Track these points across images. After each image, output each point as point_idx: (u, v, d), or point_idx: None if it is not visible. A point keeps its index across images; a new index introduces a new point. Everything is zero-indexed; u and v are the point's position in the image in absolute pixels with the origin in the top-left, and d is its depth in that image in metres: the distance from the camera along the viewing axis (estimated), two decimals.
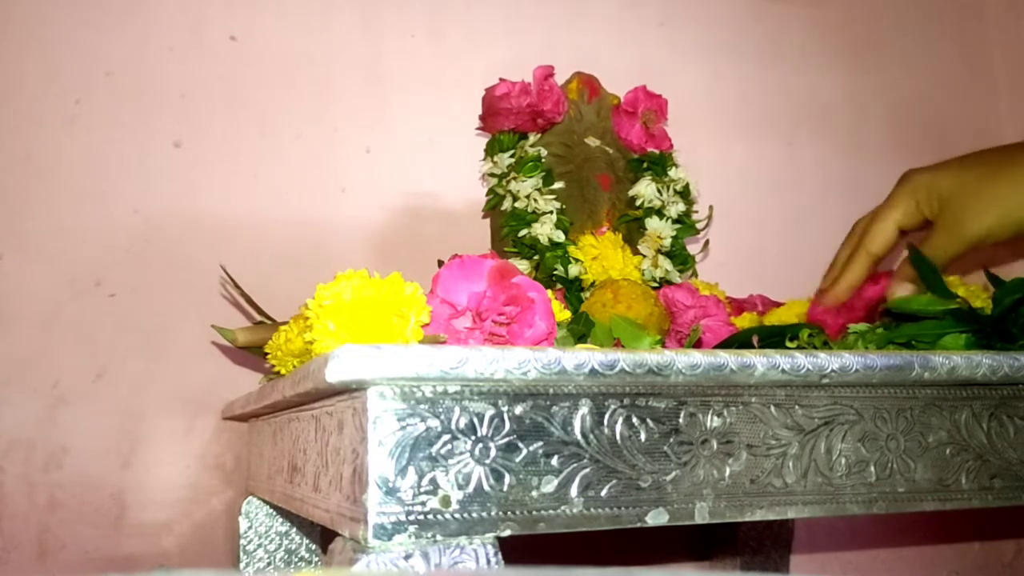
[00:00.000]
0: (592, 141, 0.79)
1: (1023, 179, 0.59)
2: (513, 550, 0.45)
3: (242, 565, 0.75)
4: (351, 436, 0.43)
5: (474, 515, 0.41)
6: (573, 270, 0.73)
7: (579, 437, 0.43)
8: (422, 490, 0.40)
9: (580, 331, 0.56)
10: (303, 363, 0.50)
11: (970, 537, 1.10)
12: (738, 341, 0.58)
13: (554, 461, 0.42)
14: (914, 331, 0.56)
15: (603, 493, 0.43)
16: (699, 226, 0.80)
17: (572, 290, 0.73)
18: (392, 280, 0.45)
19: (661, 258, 0.77)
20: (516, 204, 0.75)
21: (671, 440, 0.44)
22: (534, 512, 0.42)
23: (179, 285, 0.86)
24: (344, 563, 0.41)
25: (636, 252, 0.77)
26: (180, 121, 0.88)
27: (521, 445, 0.42)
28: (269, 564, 0.76)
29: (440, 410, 0.41)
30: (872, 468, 0.48)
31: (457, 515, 0.40)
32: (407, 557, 0.40)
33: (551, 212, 0.74)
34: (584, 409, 0.43)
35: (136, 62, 0.88)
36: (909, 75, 1.17)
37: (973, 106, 1.20)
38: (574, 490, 0.42)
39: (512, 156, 0.78)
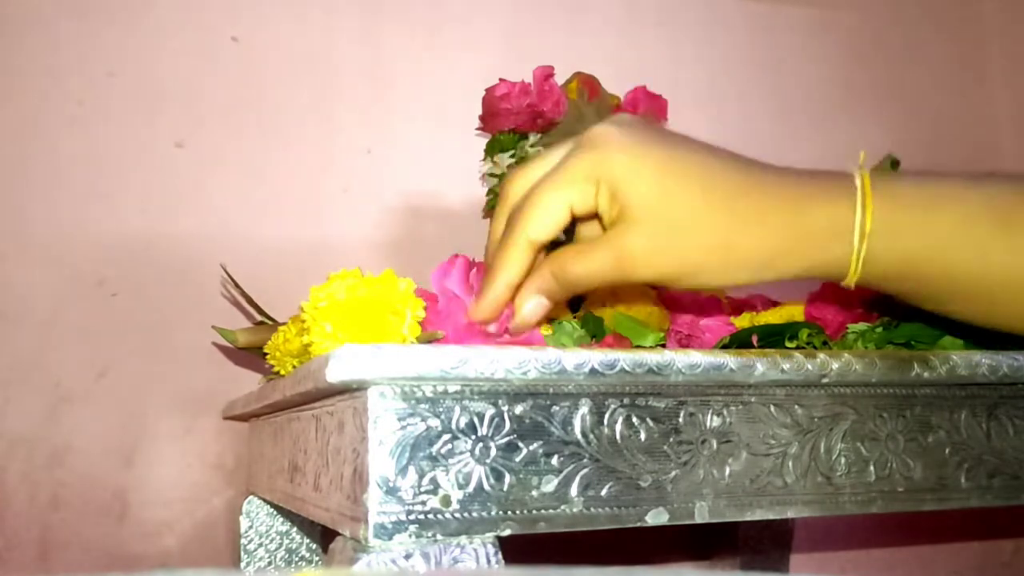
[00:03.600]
0: None
1: (728, 242, 0.42)
2: (513, 550, 0.45)
3: (243, 564, 0.75)
4: (352, 436, 0.43)
5: (474, 514, 0.41)
6: None
7: (579, 437, 0.43)
8: (422, 489, 0.40)
9: (592, 331, 0.57)
10: (302, 363, 0.50)
11: (969, 536, 1.10)
12: (738, 341, 0.58)
13: (554, 461, 0.42)
14: (913, 331, 0.56)
15: (603, 492, 0.43)
16: None
17: None
18: (385, 278, 0.45)
19: None
20: None
21: (671, 440, 0.45)
22: (534, 511, 0.42)
23: (181, 285, 0.86)
24: (345, 562, 0.41)
25: None
26: (182, 121, 0.89)
27: (521, 445, 0.42)
28: (270, 563, 0.76)
29: (440, 410, 0.41)
30: (871, 467, 0.48)
31: (457, 514, 0.41)
32: (407, 556, 0.40)
33: None
34: (584, 409, 0.43)
35: (138, 63, 0.88)
36: (907, 77, 1.17)
37: (971, 108, 1.20)
38: (574, 489, 0.42)
39: (512, 156, 0.78)
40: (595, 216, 0.45)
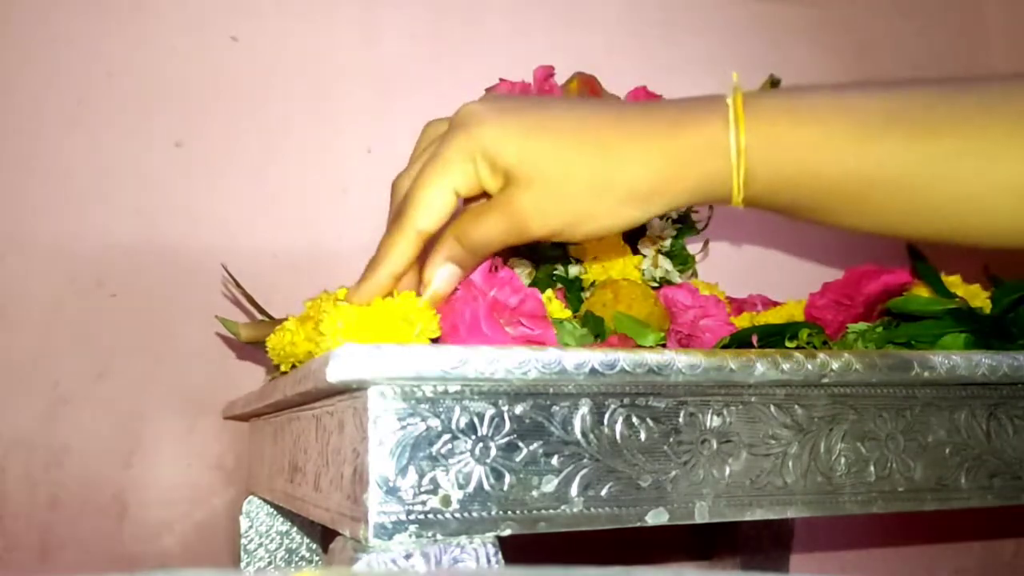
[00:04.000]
0: None
1: (606, 179, 0.43)
2: (513, 549, 0.45)
3: (243, 564, 0.75)
4: (352, 436, 0.43)
5: (474, 514, 0.41)
6: (573, 270, 0.73)
7: (579, 437, 0.43)
8: (422, 489, 0.40)
9: (596, 331, 0.57)
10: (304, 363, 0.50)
11: (969, 536, 1.10)
12: (738, 341, 0.58)
13: (554, 461, 0.42)
14: (913, 331, 0.56)
15: (603, 492, 0.43)
16: (699, 226, 0.80)
17: (572, 290, 0.73)
18: (404, 297, 0.45)
19: (661, 258, 0.77)
20: None
21: (671, 440, 0.45)
22: (534, 511, 0.42)
23: (180, 285, 0.86)
24: (345, 562, 0.41)
25: (636, 252, 0.77)
26: (181, 121, 0.89)
27: (521, 445, 0.42)
28: (270, 563, 0.76)
29: (440, 410, 0.41)
30: (871, 467, 0.48)
31: (457, 514, 0.41)
32: (407, 556, 0.40)
33: None
34: (584, 409, 0.43)
35: (137, 62, 0.88)
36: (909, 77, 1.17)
37: None
38: (574, 489, 0.42)
39: None
40: (483, 195, 0.46)
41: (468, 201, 0.48)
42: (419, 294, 0.46)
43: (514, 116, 0.44)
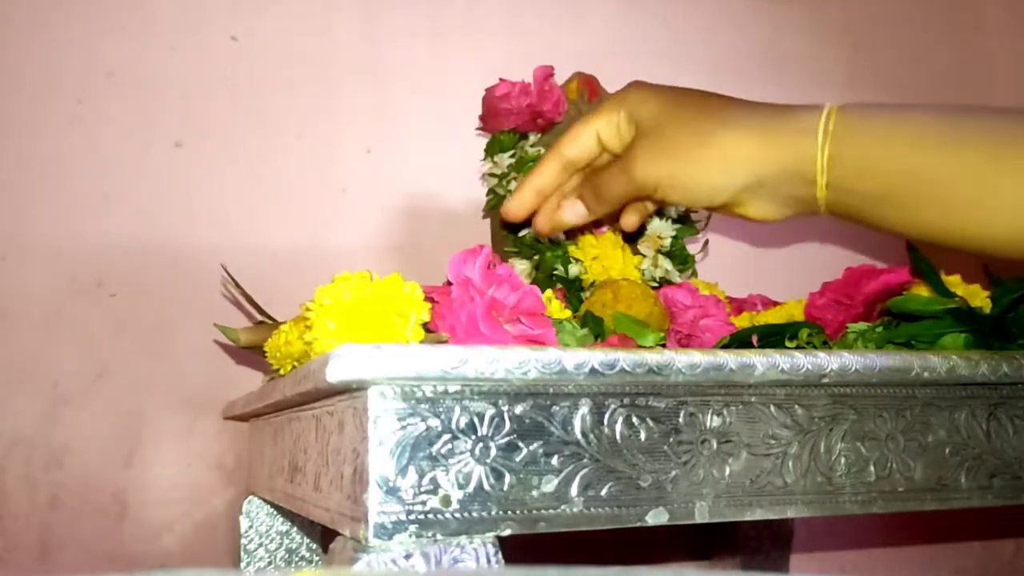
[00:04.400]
0: None
1: (708, 137, 0.50)
2: (513, 549, 0.45)
3: (243, 564, 0.75)
4: (352, 436, 0.43)
5: (474, 514, 0.41)
6: (573, 270, 0.73)
7: (579, 437, 0.43)
8: (422, 489, 0.40)
9: (596, 331, 0.57)
10: (303, 364, 0.50)
11: (969, 536, 1.10)
12: (738, 340, 0.58)
13: (554, 461, 0.42)
14: (913, 330, 0.56)
15: (603, 492, 0.43)
16: (699, 226, 0.80)
17: (572, 290, 0.73)
18: (391, 281, 0.45)
19: (661, 258, 0.77)
20: None
21: (671, 440, 0.45)
22: (534, 511, 0.42)
23: (180, 285, 0.86)
24: (345, 562, 0.41)
25: (636, 252, 0.77)
26: (181, 121, 0.89)
27: (521, 445, 0.42)
28: (270, 563, 0.76)
29: (440, 410, 0.41)
30: (871, 467, 0.48)
31: (457, 514, 0.41)
32: (407, 556, 0.40)
33: None
34: (584, 409, 0.43)
35: (138, 62, 0.88)
36: (909, 79, 1.17)
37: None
38: (574, 489, 0.42)
39: (512, 156, 0.78)
40: (618, 147, 0.55)
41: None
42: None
43: (655, 88, 0.55)
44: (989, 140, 0.46)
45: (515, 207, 0.58)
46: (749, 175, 0.49)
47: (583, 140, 0.55)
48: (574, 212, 0.57)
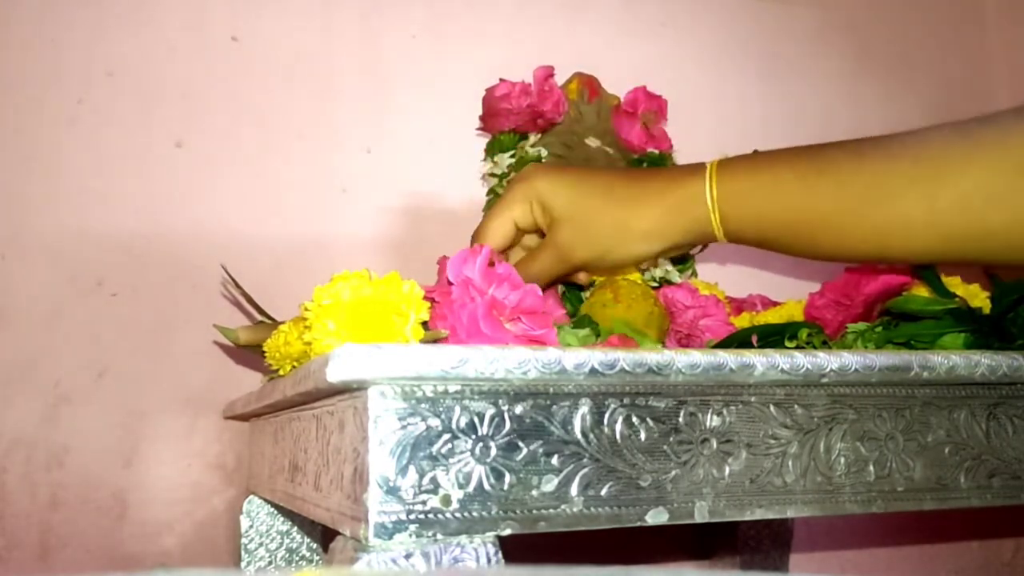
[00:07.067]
0: (592, 141, 0.80)
1: (624, 223, 0.57)
2: (513, 549, 0.45)
3: (243, 564, 0.75)
4: (352, 435, 0.43)
5: (475, 514, 0.41)
6: None
7: (579, 436, 0.43)
8: (423, 489, 0.40)
9: (595, 331, 0.57)
10: (302, 364, 0.50)
11: (969, 536, 1.10)
12: (737, 340, 0.58)
13: (554, 460, 0.42)
14: (913, 330, 0.56)
15: (603, 492, 0.43)
16: None
17: (572, 290, 0.73)
18: (389, 279, 0.45)
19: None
20: None
21: (671, 439, 0.45)
22: (534, 511, 0.42)
23: (180, 285, 0.86)
24: (345, 562, 0.41)
25: None
26: (181, 121, 0.89)
27: (521, 444, 0.42)
28: (270, 563, 0.76)
29: (441, 409, 0.41)
30: (871, 467, 0.48)
31: (458, 514, 0.41)
32: (408, 556, 0.40)
33: None
34: (584, 408, 0.43)
35: (138, 62, 0.88)
36: (910, 80, 1.17)
37: (978, 109, 1.20)
38: (574, 489, 0.42)
39: (512, 156, 0.78)
40: (536, 230, 0.61)
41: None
42: None
43: (561, 174, 0.59)
44: (859, 169, 0.52)
45: None
46: (664, 242, 0.57)
47: (503, 230, 0.60)
48: None
